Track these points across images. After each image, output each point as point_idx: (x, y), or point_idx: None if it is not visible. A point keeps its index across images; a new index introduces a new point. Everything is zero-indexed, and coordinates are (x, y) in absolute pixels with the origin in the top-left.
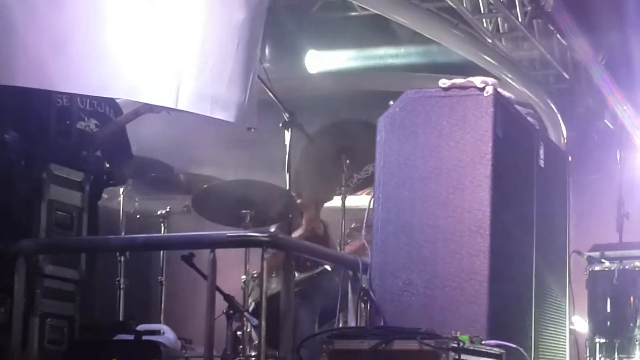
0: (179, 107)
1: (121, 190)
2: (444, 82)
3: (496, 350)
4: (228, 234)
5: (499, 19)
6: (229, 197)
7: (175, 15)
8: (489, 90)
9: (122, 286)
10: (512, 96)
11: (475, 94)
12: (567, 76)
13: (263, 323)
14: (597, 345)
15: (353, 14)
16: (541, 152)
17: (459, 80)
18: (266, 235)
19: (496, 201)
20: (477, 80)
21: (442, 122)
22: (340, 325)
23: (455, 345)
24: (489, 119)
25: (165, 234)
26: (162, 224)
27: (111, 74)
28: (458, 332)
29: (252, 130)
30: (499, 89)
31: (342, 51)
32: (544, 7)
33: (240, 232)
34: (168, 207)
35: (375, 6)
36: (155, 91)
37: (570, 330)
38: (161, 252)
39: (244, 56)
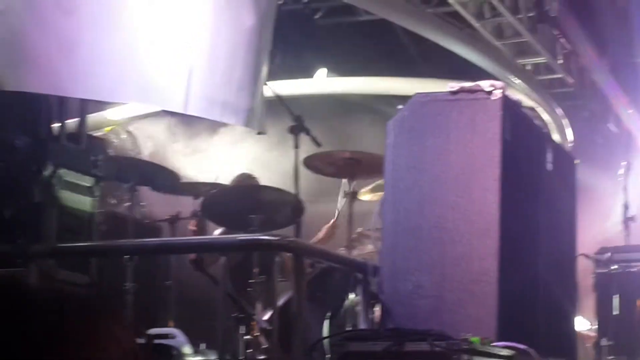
0: (189, 112)
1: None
2: (452, 86)
3: (506, 352)
4: (239, 238)
5: (502, 24)
6: (237, 202)
7: (184, 21)
8: (497, 93)
9: (130, 291)
10: (520, 99)
11: (484, 98)
12: (571, 80)
13: (275, 327)
14: (605, 347)
15: (358, 19)
16: (549, 155)
17: (467, 84)
18: (277, 238)
19: (505, 204)
20: (486, 84)
21: (451, 126)
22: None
23: (466, 346)
24: (497, 122)
25: (176, 238)
26: (171, 229)
27: (120, 79)
28: (468, 334)
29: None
30: (507, 93)
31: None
32: (548, 12)
33: (252, 236)
34: (176, 211)
35: (380, 11)
36: (164, 96)
37: (578, 332)
38: (170, 256)
39: (253, 62)
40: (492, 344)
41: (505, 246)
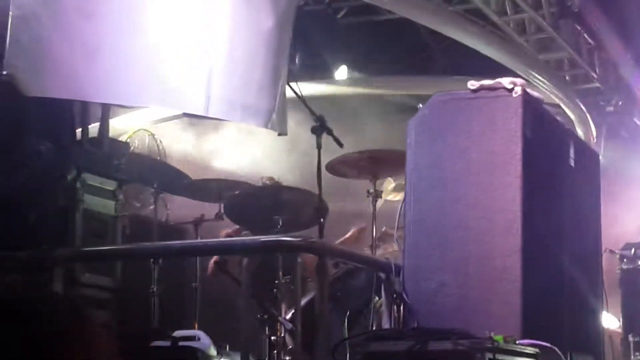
0: (210, 115)
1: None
2: (472, 84)
3: (530, 350)
4: (262, 239)
5: (525, 20)
6: (261, 203)
7: (204, 23)
8: (518, 90)
9: (156, 293)
10: (541, 96)
11: (504, 95)
12: (595, 75)
13: (298, 328)
14: (632, 343)
15: (380, 18)
16: (571, 151)
17: (487, 82)
18: (300, 240)
19: (527, 201)
20: (506, 81)
21: (471, 124)
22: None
23: (490, 345)
24: (518, 119)
25: (200, 240)
26: (195, 231)
27: (141, 83)
28: (492, 332)
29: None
30: (528, 90)
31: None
32: (571, 7)
33: (274, 237)
34: (200, 214)
35: (402, 10)
36: (185, 99)
37: (604, 328)
38: (195, 258)
39: (273, 63)
40: (516, 342)
41: (528, 243)
